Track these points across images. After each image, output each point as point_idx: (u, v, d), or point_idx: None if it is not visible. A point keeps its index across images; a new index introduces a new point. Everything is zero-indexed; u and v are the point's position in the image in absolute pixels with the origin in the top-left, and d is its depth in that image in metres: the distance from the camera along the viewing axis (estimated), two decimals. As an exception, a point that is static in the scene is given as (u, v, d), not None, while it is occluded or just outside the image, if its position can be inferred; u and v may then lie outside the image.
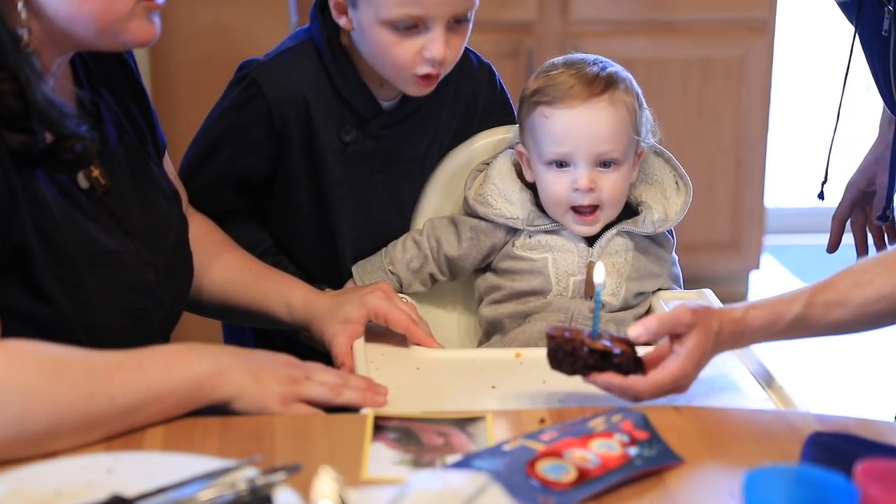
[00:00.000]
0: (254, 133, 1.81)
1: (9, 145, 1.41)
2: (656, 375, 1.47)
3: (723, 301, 1.86)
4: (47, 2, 1.42)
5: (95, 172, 1.53)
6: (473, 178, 1.87)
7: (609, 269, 1.80)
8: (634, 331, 1.47)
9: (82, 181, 1.53)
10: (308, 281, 1.83)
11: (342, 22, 1.75)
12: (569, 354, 1.46)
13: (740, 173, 3.83)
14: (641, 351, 1.49)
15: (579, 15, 3.65)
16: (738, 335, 1.52)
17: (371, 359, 1.65)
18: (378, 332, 1.72)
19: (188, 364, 1.41)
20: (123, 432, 1.36)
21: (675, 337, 1.49)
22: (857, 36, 1.89)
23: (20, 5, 1.42)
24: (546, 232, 1.81)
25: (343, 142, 1.82)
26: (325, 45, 1.79)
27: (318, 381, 1.49)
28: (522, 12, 3.57)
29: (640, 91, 1.81)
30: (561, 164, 1.77)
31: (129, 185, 1.59)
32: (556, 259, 1.80)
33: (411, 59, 1.71)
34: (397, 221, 1.92)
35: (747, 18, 3.73)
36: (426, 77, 1.73)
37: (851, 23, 1.89)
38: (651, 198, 1.84)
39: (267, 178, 1.86)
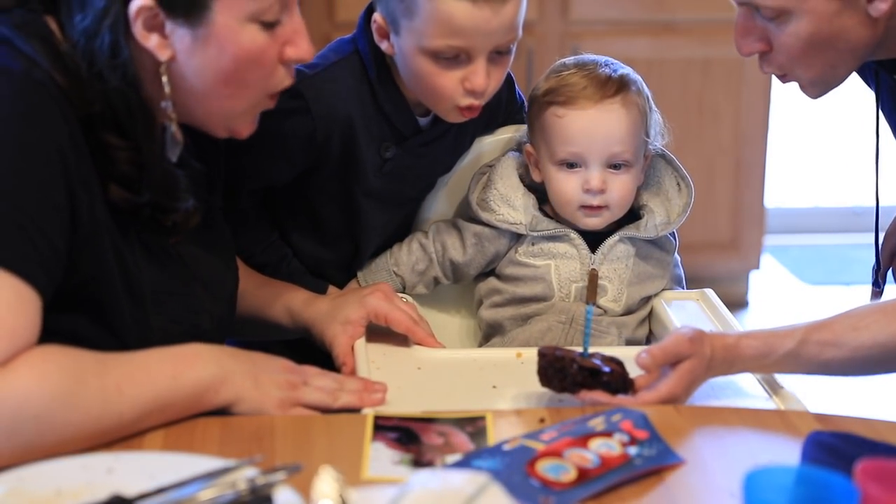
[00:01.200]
0: (293, 144, 1.75)
1: (110, 197, 1.43)
2: (645, 396, 1.49)
3: (723, 300, 1.87)
4: (188, 78, 1.45)
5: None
6: (477, 181, 1.86)
7: (611, 276, 1.80)
8: (643, 362, 1.50)
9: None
10: (314, 277, 1.84)
11: (384, 46, 1.72)
12: (559, 371, 1.48)
13: (740, 173, 3.83)
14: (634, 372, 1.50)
15: (579, 15, 3.65)
16: (729, 361, 1.53)
17: (372, 359, 1.66)
18: (379, 333, 1.72)
19: (194, 371, 1.42)
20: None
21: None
22: (878, 100, 1.88)
23: (164, 79, 1.44)
24: (549, 239, 1.81)
25: (382, 158, 1.79)
26: (372, 60, 1.75)
27: (316, 385, 1.50)
28: (522, 12, 3.57)
29: (649, 94, 1.82)
30: (572, 164, 1.77)
31: (201, 232, 1.59)
32: (558, 266, 1.80)
33: (452, 88, 1.68)
34: (418, 221, 1.93)
35: (747, 18, 3.73)
36: (468, 108, 1.71)
37: (871, 87, 1.88)
38: (653, 201, 1.84)
39: (286, 183, 1.83)
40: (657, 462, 1.32)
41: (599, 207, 1.78)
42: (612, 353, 1.53)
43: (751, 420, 1.46)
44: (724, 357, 1.52)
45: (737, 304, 3.86)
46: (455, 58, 1.66)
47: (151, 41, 1.41)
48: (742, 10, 1.64)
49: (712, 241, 3.78)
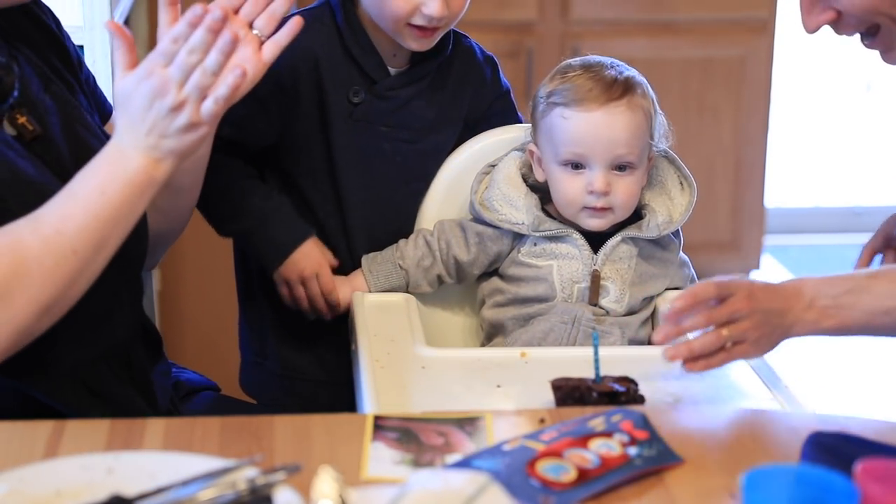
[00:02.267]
0: (263, 88, 1.76)
1: None
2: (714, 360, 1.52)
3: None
4: None
5: (22, 119, 1.53)
6: (479, 180, 1.87)
7: (613, 276, 1.80)
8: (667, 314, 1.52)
9: (9, 129, 1.52)
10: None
11: None
12: (577, 401, 1.50)
13: (740, 173, 3.83)
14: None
15: (579, 15, 3.65)
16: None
17: (376, 357, 1.66)
18: (383, 332, 1.73)
19: (117, 173, 1.44)
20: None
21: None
22: None
23: None
24: (551, 239, 1.81)
25: (351, 102, 1.84)
26: (340, 5, 1.84)
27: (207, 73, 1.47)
28: (522, 12, 3.57)
29: (654, 96, 1.82)
30: (576, 165, 1.77)
31: (61, 131, 1.58)
32: (560, 266, 1.80)
33: (409, 11, 1.76)
34: (406, 199, 1.92)
35: (747, 18, 3.73)
36: (423, 28, 1.77)
37: None
38: (655, 201, 1.84)
39: (272, 144, 1.87)
40: (657, 462, 1.32)
41: (603, 209, 1.78)
42: (621, 372, 1.55)
43: (751, 420, 1.46)
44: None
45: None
46: None
47: None
48: None
49: (712, 241, 3.78)
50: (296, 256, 1.85)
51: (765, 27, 3.73)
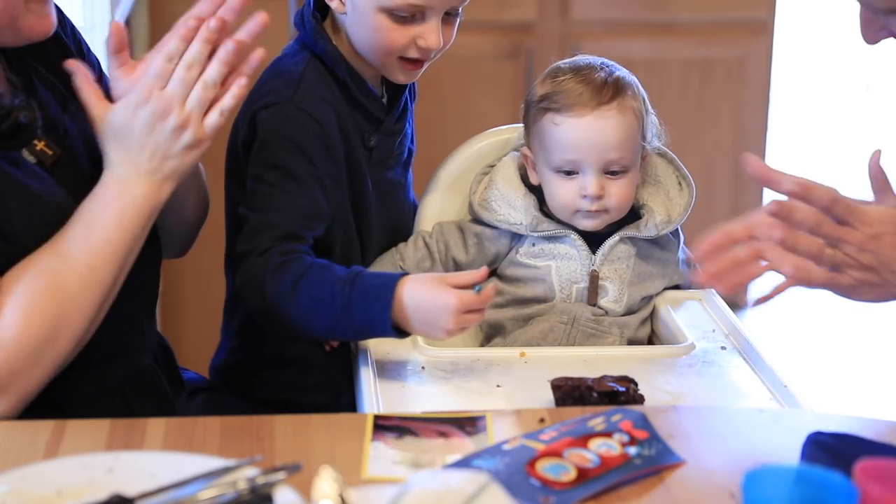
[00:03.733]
0: (321, 162, 1.73)
1: None
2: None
3: (724, 300, 1.87)
4: None
5: (40, 145, 1.53)
6: (478, 181, 1.87)
7: (612, 276, 1.80)
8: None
9: (28, 157, 1.52)
10: None
11: (334, 4, 1.75)
12: (578, 400, 1.50)
13: (740, 173, 3.83)
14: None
15: (579, 15, 3.64)
16: None
17: (376, 358, 1.66)
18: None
19: (128, 201, 1.47)
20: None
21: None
22: None
23: None
24: (549, 239, 1.81)
25: (368, 148, 1.80)
26: (338, 57, 1.77)
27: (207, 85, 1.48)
28: (522, 12, 3.57)
29: (645, 95, 1.82)
30: (569, 171, 1.77)
31: (83, 150, 1.58)
32: (559, 267, 1.80)
33: (404, 44, 1.73)
34: (410, 216, 1.93)
35: (747, 18, 3.73)
36: (414, 62, 1.75)
37: None
38: (653, 200, 1.84)
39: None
40: (657, 462, 1.32)
41: (598, 211, 1.78)
42: (619, 371, 1.55)
43: (751, 420, 1.46)
44: None
45: (737, 304, 3.85)
46: (411, 16, 1.71)
47: None
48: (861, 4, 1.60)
49: (712, 241, 3.78)
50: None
51: (764, 27, 3.72)
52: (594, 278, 1.79)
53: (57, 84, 1.59)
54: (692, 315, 1.81)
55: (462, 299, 1.58)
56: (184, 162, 1.49)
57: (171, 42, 1.47)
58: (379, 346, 1.69)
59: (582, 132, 1.75)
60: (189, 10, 1.49)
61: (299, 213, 1.70)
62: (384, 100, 1.84)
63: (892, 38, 1.57)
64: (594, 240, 1.81)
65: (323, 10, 1.80)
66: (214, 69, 1.46)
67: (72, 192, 1.52)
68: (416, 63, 1.76)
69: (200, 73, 1.47)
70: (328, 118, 1.73)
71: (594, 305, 1.80)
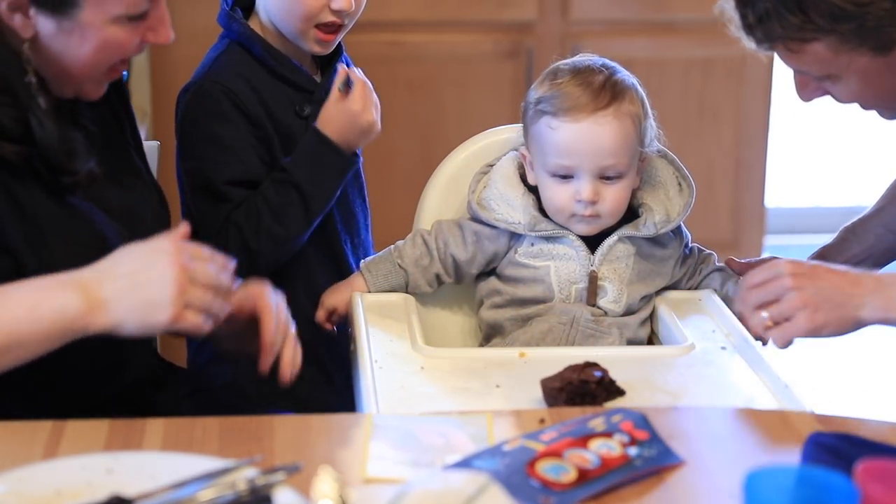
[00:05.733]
0: (240, 124, 1.89)
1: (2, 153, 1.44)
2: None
3: (724, 301, 1.87)
4: (48, 55, 1.48)
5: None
6: (477, 180, 1.87)
7: (611, 276, 1.80)
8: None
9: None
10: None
11: None
12: (585, 396, 1.51)
13: (740, 173, 3.83)
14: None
15: (579, 15, 3.64)
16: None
17: (375, 358, 1.65)
18: (383, 332, 1.73)
19: (54, 301, 1.37)
20: None
21: None
22: None
23: (26, 51, 1.47)
24: (548, 239, 1.80)
25: (302, 117, 1.92)
26: (249, 39, 1.91)
27: (202, 285, 1.42)
28: (522, 12, 3.57)
29: (645, 97, 1.81)
30: (564, 175, 1.77)
31: (111, 169, 1.59)
32: (557, 267, 1.80)
33: (319, 9, 1.85)
34: (353, 182, 2.01)
35: (748, 18, 3.73)
36: (328, 28, 1.87)
37: None
38: (652, 199, 1.83)
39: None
40: (657, 463, 1.32)
41: (592, 216, 1.77)
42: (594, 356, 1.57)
43: (751, 420, 1.46)
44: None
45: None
46: None
47: (15, 20, 1.45)
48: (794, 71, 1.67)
49: (712, 241, 3.75)
50: None
51: (765, 27, 3.72)
52: (593, 279, 1.79)
53: (95, 130, 1.62)
54: (692, 315, 1.81)
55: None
56: (122, 323, 1.39)
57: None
58: (378, 347, 1.69)
59: (577, 137, 1.75)
60: None
61: (236, 180, 1.88)
62: (318, 76, 1.97)
63: (826, 97, 1.64)
64: (593, 240, 1.81)
65: (248, 9, 1.95)
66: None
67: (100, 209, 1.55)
68: (331, 32, 1.88)
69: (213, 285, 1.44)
70: (241, 88, 1.88)
71: (594, 306, 1.79)
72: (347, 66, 1.99)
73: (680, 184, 1.86)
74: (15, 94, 1.46)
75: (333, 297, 1.87)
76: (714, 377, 1.62)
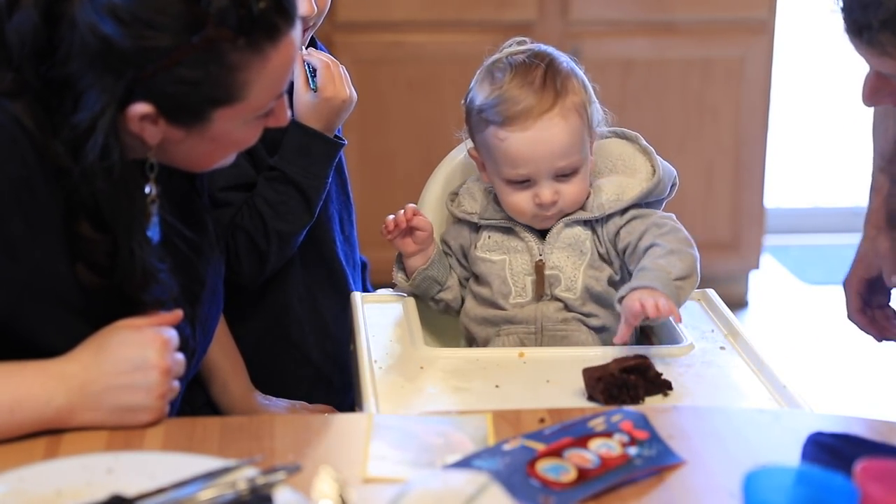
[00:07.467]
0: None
1: (78, 276, 1.41)
2: None
3: (723, 300, 1.86)
4: (173, 153, 1.44)
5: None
6: (451, 199, 1.89)
7: (561, 264, 1.76)
8: None
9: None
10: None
11: None
12: (623, 388, 1.52)
13: (740, 173, 3.83)
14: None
15: (579, 15, 3.64)
16: None
17: (375, 358, 1.66)
18: (383, 332, 1.73)
19: (34, 404, 1.36)
20: None
21: None
22: None
23: (151, 160, 1.43)
24: (503, 232, 1.79)
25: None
26: None
27: (175, 376, 1.42)
28: (522, 12, 3.57)
29: (585, 80, 1.77)
30: (521, 181, 1.75)
31: (176, 221, 1.57)
32: (511, 261, 1.78)
33: None
34: (340, 184, 2.02)
35: (747, 18, 3.73)
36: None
37: None
38: (602, 179, 1.79)
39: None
40: (657, 462, 1.32)
41: (553, 214, 1.76)
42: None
43: (751, 420, 1.46)
44: None
45: (737, 304, 3.85)
46: None
47: (145, 130, 1.39)
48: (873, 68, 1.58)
49: (712, 241, 3.77)
50: None
51: (764, 27, 3.72)
52: (539, 269, 1.77)
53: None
54: (692, 315, 1.81)
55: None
56: (114, 420, 1.38)
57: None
58: (378, 347, 1.69)
59: (528, 146, 1.72)
60: None
61: (231, 185, 1.89)
62: None
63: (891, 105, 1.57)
64: (543, 229, 1.79)
65: None
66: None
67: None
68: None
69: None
70: None
71: (549, 298, 1.76)
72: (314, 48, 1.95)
73: (654, 168, 1.80)
74: (115, 229, 1.40)
75: (423, 220, 1.82)
76: (713, 377, 1.62)
